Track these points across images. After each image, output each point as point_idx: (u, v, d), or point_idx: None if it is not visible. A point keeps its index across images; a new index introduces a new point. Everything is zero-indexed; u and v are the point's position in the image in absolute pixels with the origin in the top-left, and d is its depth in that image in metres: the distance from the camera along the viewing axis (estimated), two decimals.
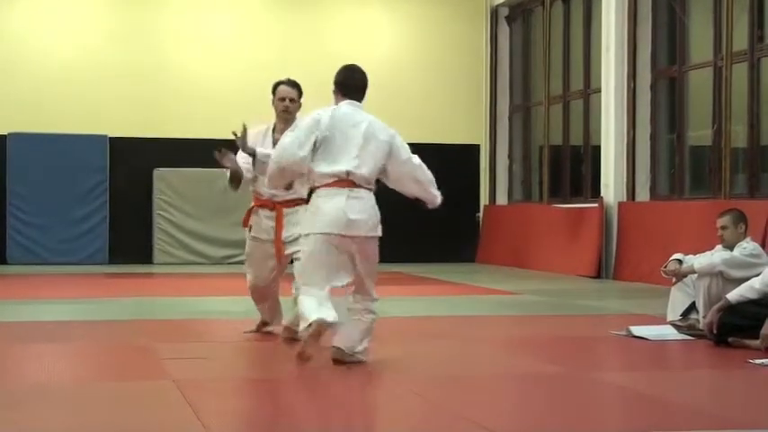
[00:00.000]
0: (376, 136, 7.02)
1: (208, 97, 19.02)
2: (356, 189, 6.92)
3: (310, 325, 6.65)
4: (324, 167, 6.90)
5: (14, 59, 18.46)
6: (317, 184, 6.93)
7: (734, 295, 7.82)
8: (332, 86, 7.24)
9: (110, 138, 18.50)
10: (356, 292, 7.06)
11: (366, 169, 6.95)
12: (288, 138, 7.01)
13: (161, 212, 18.69)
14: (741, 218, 8.60)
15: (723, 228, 8.57)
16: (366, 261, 6.98)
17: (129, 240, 18.54)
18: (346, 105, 7.09)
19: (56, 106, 18.39)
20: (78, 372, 7.08)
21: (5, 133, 18.11)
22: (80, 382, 6.55)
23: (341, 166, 6.89)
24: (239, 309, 10.92)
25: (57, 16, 18.76)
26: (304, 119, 7.15)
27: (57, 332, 8.79)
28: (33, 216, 18.17)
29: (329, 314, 6.69)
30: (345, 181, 6.90)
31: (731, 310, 7.77)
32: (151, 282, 15.08)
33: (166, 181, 18.71)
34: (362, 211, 6.89)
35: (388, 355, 7.42)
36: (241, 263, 18.99)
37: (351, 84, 7.18)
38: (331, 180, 6.89)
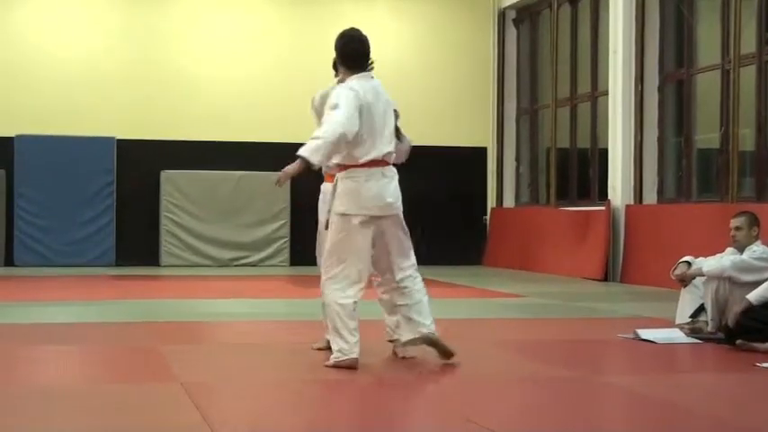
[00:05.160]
0: (390, 110, 7.04)
1: (215, 99, 19.04)
2: (387, 168, 6.98)
3: (341, 353, 6.81)
4: (361, 147, 6.84)
5: (21, 62, 18.49)
6: (349, 164, 6.88)
7: (755, 296, 7.81)
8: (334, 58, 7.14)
9: (117, 140, 18.52)
10: (384, 274, 7.10)
11: (393, 147, 6.99)
12: (341, 114, 6.69)
13: (168, 214, 18.69)
14: (755, 221, 8.58)
15: (737, 228, 8.54)
16: (397, 238, 7.04)
17: (136, 242, 18.56)
18: (365, 80, 6.96)
19: (63, 108, 18.42)
20: (85, 374, 7.08)
21: (13, 135, 18.13)
22: (87, 384, 6.55)
23: (379, 147, 6.89)
24: (246, 311, 10.94)
25: (64, 19, 18.79)
26: (339, 92, 6.84)
27: (63, 334, 8.79)
28: (40, 218, 18.19)
29: (357, 349, 6.84)
30: (380, 161, 6.92)
31: (745, 312, 7.77)
32: (158, 284, 15.08)
33: (174, 183, 18.72)
34: (395, 191, 6.97)
35: (393, 358, 7.40)
36: (248, 265, 19.15)
37: (359, 55, 7.03)
38: (367, 160, 6.86)
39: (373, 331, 7.62)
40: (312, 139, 6.69)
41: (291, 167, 6.66)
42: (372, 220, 6.90)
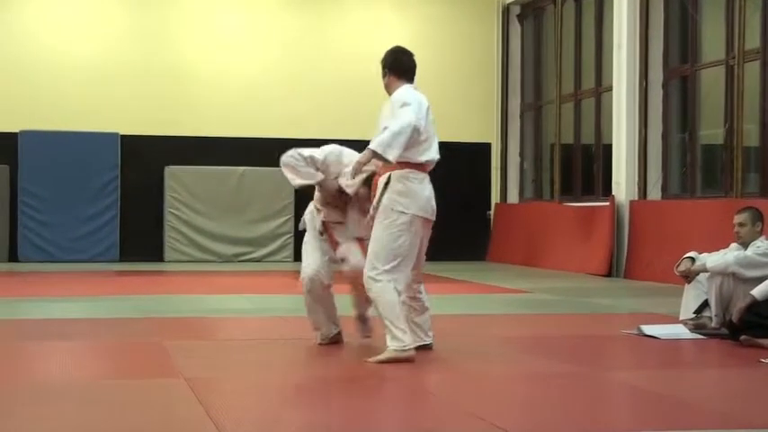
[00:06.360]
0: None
1: (219, 95, 19.06)
2: (428, 175, 7.22)
3: (401, 347, 6.93)
4: (421, 146, 7.01)
5: (26, 57, 18.51)
6: (406, 162, 6.98)
7: (759, 291, 7.80)
8: (381, 70, 7.32)
9: (121, 135, 18.52)
10: (414, 280, 7.35)
11: None
12: (412, 109, 6.91)
13: (172, 210, 18.71)
14: (759, 216, 8.57)
15: (741, 225, 8.53)
16: (425, 246, 7.32)
17: (141, 238, 18.58)
18: (416, 89, 7.22)
19: (67, 104, 18.44)
20: (89, 369, 7.09)
21: (17, 131, 18.15)
22: (91, 379, 6.56)
23: (432, 153, 7.12)
24: (250, 307, 10.94)
25: (69, 14, 18.80)
26: (404, 93, 7.07)
27: (67, 330, 8.80)
28: (45, 214, 18.21)
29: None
30: (429, 166, 7.14)
31: (749, 307, 7.77)
32: (162, 279, 15.09)
33: (178, 179, 18.73)
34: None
35: None
36: (252, 261, 19.18)
37: (412, 66, 7.30)
38: (423, 160, 7.06)
39: (374, 329, 7.64)
40: (386, 130, 6.83)
41: (363, 156, 6.86)
42: (423, 222, 7.12)
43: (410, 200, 7.00)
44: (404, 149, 6.85)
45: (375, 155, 6.80)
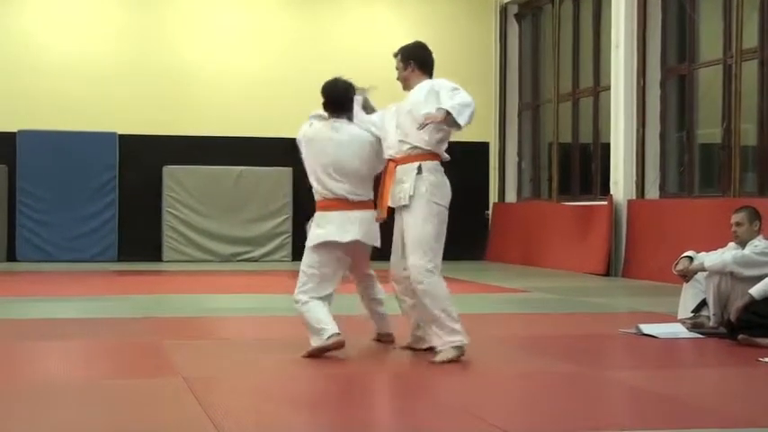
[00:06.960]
0: None
1: (217, 95, 19.05)
2: None
3: (460, 344, 7.00)
4: (446, 143, 7.15)
5: (24, 57, 18.50)
6: (437, 153, 7.08)
7: (757, 290, 7.81)
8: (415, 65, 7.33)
9: (119, 135, 18.52)
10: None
11: None
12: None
13: (170, 210, 18.71)
14: (756, 215, 8.57)
15: (738, 224, 8.53)
16: None
17: (139, 238, 18.57)
18: None
19: (65, 104, 18.42)
20: (88, 369, 7.09)
21: (15, 131, 18.14)
22: (89, 379, 6.56)
23: None
24: (248, 306, 10.94)
25: (67, 14, 18.80)
26: (450, 82, 7.09)
27: (66, 330, 8.80)
28: (43, 213, 18.20)
29: None
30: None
31: (747, 306, 7.77)
32: (160, 279, 15.09)
33: (176, 178, 18.73)
34: None
35: (399, 353, 7.42)
36: (251, 260, 19.18)
37: (432, 63, 7.40)
38: (443, 157, 7.16)
39: (373, 327, 7.65)
40: (461, 105, 6.80)
41: (438, 112, 6.77)
42: None
43: (444, 192, 7.06)
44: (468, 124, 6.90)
45: (448, 115, 6.75)
